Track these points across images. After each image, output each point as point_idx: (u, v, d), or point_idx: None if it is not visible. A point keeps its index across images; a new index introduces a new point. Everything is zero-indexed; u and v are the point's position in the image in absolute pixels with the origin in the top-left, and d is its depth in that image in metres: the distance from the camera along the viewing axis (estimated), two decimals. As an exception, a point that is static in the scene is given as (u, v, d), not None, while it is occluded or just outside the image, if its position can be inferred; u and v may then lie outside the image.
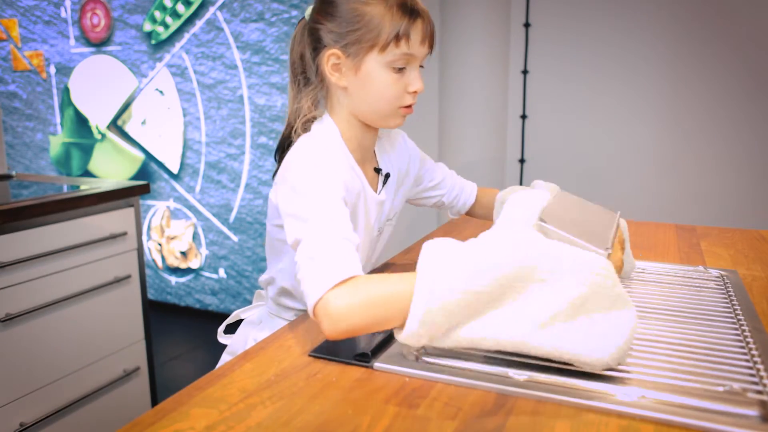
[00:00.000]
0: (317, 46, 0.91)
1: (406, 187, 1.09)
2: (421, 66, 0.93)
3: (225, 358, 1.07)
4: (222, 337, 1.08)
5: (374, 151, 1.03)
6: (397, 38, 0.86)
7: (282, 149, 0.97)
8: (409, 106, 0.93)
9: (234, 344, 1.08)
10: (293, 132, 0.95)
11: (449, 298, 0.64)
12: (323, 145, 0.90)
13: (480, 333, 0.66)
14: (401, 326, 0.68)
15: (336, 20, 0.88)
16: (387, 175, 1.02)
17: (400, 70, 0.89)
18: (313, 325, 0.85)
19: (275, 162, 0.99)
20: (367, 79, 0.89)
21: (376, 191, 0.99)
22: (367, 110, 0.93)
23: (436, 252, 0.68)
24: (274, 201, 0.93)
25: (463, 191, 1.19)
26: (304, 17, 0.94)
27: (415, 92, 0.91)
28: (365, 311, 0.68)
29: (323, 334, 0.71)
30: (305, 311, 0.98)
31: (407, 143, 1.11)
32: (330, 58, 0.89)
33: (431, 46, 0.92)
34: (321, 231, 0.76)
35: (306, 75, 0.95)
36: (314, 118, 0.96)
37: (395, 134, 1.10)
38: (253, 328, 1.08)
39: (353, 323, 0.68)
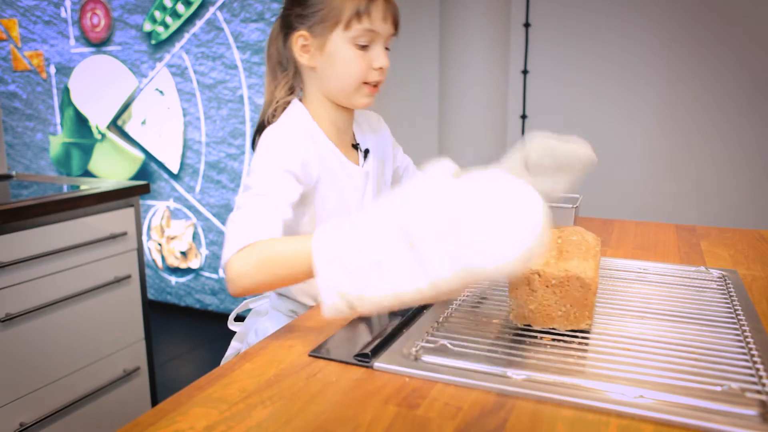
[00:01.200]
0: (288, 31, 0.97)
1: (389, 166, 1.13)
2: (387, 48, 0.97)
3: (234, 345, 1.11)
4: (232, 325, 1.11)
5: (352, 130, 1.06)
6: (359, 15, 0.91)
7: (257, 137, 1.01)
8: (376, 85, 0.97)
9: (241, 333, 1.11)
10: (266, 120, 1.00)
11: (346, 268, 0.67)
12: (287, 128, 0.94)
13: (382, 291, 0.65)
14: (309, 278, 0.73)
15: (302, 4, 0.94)
16: (366, 151, 1.05)
17: (364, 47, 0.94)
18: (314, 325, 0.86)
19: (252, 151, 1.01)
20: (333, 57, 0.94)
21: (358, 165, 1.02)
22: (335, 88, 0.97)
23: (327, 233, 0.70)
24: None
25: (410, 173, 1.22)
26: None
27: (381, 69, 0.96)
28: (262, 271, 0.76)
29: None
30: (304, 306, 1.02)
31: (384, 125, 1.15)
32: (298, 39, 0.95)
33: (396, 26, 0.97)
34: (250, 203, 0.84)
35: (282, 65, 1.01)
36: (287, 105, 1.00)
37: (374, 118, 1.14)
38: (259, 317, 1.10)
39: (253, 282, 0.77)
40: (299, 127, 0.96)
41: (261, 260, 0.77)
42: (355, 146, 1.04)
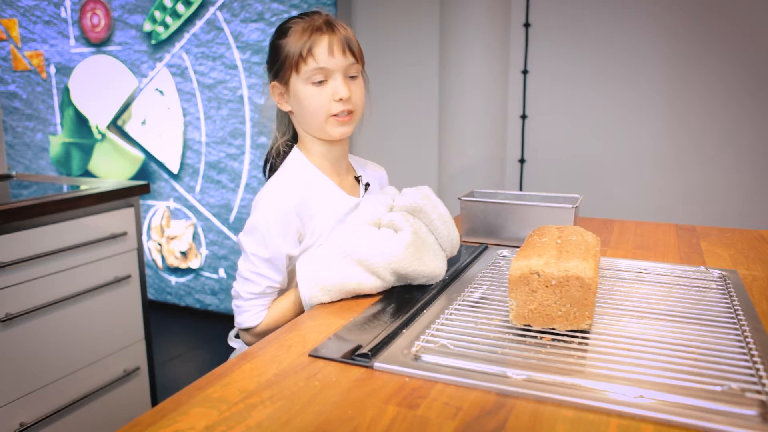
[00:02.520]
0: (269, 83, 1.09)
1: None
2: (354, 77, 1.05)
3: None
4: (232, 341, 1.13)
5: (352, 167, 1.18)
6: (302, 57, 1.00)
7: (268, 166, 1.16)
8: (344, 114, 1.04)
9: (242, 349, 1.10)
10: (270, 157, 1.15)
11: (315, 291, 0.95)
12: (284, 183, 1.06)
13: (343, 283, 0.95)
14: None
15: (271, 59, 1.06)
16: (367, 184, 1.16)
17: (320, 83, 1.02)
18: (314, 325, 0.86)
19: (264, 177, 1.15)
20: (297, 98, 1.04)
21: (358, 196, 1.13)
22: (307, 125, 1.07)
23: (304, 265, 0.97)
24: None
25: None
26: None
27: (341, 100, 1.02)
28: (270, 330, 0.98)
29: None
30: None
31: (386, 181, 1.26)
32: (274, 89, 1.08)
33: (353, 55, 1.03)
34: (251, 279, 1.02)
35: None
36: (288, 147, 1.14)
37: (383, 173, 1.25)
38: None
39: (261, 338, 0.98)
40: (293, 182, 1.05)
41: (270, 328, 1.02)
42: (357, 179, 1.15)
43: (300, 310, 1.03)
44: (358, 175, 1.16)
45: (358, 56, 1.05)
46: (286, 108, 1.08)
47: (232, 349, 1.11)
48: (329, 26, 1.01)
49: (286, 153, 1.12)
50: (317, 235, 1.05)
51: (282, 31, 1.04)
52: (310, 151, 1.10)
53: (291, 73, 1.02)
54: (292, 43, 1.01)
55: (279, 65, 1.04)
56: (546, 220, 1.22)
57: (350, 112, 1.04)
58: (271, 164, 1.14)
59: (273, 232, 1.00)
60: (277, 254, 1.01)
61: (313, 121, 1.04)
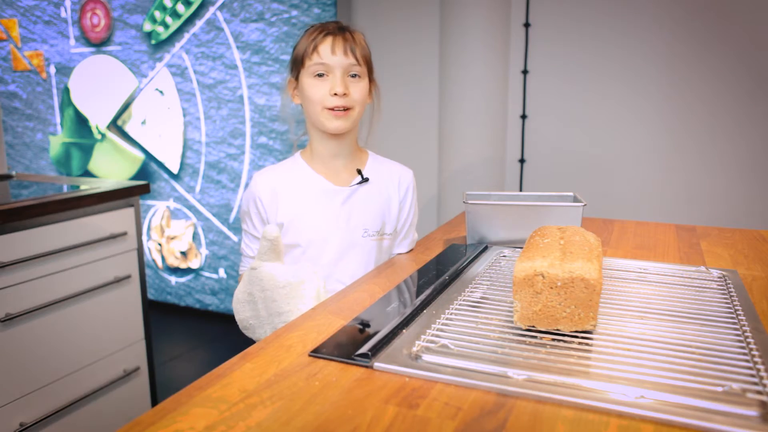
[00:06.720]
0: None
1: (390, 214, 1.24)
2: (355, 75, 1.14)
3: None
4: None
5: (360, 162, 1.25)
6: (308, 53, 1.13)
7: None
8: (338, 109, 1.13)
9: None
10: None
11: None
12: (255, 178, 1.20)
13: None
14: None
15: (291, 58, 1.20)
16: (366, 179, 1.21)
17: (320, 76, 1.13)
18: (313, 325, 0.86)
19: None
20: (303, 90, 1.16)
21: (346, 185, 1.20)
22: (309, 116, 1.18)
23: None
24: None
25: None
26: None
27: (337, 95, 1.12)
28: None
29: None
30: None
31: (409, 186, 1.28)
32: (290, 84, 1.21)
33: (354, 56, 1.13)
34: (243, 245, 1.25)
35: None
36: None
37: (405, 173, 1.28)
38: None
39: None
40: (264, 177, 1.19)
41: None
42: (359, 172, 1.22)
43: None
44: (360, 168, 1.23)
45: (361, 60, 1.14)
46: (296, 101, 1.20)
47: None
48: (339, 30, 1.14)
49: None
50: (290, 212, 1.17)
51: (302, 34, 1.18)
52: (312, 142, 1.21)
53: (300, 67, 1.15)
54: (303, 42, 1.15)
55: (293, 62, 1.18)
56: (553, 221, 1.22)
57: (347, 109, 1.13)
58: None
59: (244, 213, 1.22)
60: (249, 229, 1.22)
61: (313, 111, 1.15)
